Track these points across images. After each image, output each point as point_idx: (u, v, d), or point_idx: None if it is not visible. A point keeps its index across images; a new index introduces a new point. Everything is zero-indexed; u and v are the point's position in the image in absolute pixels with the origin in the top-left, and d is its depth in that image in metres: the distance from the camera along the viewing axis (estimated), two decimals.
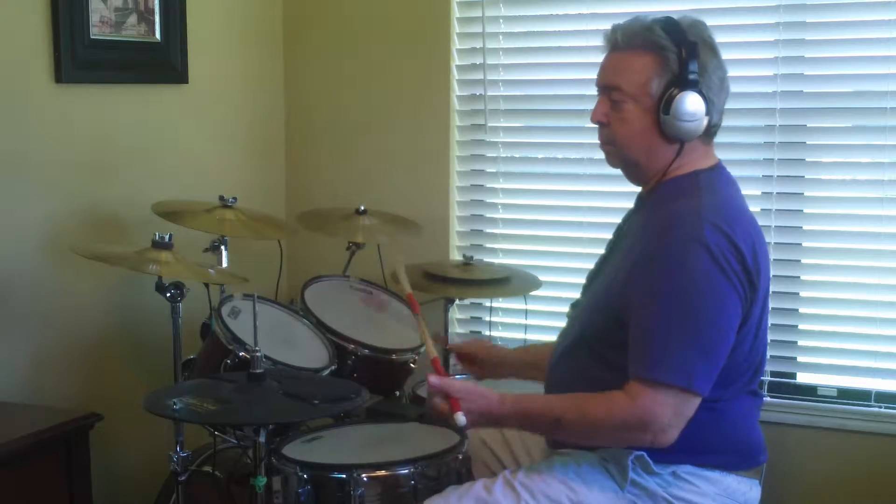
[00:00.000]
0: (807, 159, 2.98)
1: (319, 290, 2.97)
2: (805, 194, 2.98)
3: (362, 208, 3.06)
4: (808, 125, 2.95)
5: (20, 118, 2.71)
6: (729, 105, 2.92)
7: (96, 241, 2.90)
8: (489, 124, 3.32)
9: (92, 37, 2.83)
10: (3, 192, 2.68)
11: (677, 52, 1.97)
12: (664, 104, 1.97)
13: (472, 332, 3.44)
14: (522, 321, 3.20)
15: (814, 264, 2.98)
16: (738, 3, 2.99)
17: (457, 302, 3.20)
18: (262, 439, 2.16)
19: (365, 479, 2.17)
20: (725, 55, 2.93)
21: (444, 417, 2.00)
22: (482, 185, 3.40)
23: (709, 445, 2.00)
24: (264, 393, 2.20)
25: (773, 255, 2.93)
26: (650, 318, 1.92)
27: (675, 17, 2.04)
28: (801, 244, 2.99)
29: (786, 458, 2.86)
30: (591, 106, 2.08)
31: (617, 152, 2.07)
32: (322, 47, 3.50)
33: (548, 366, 2.19)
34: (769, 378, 3.01)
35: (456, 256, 3.35)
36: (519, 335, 3.24)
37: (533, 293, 3.10)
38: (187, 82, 3.15)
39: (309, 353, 2.72)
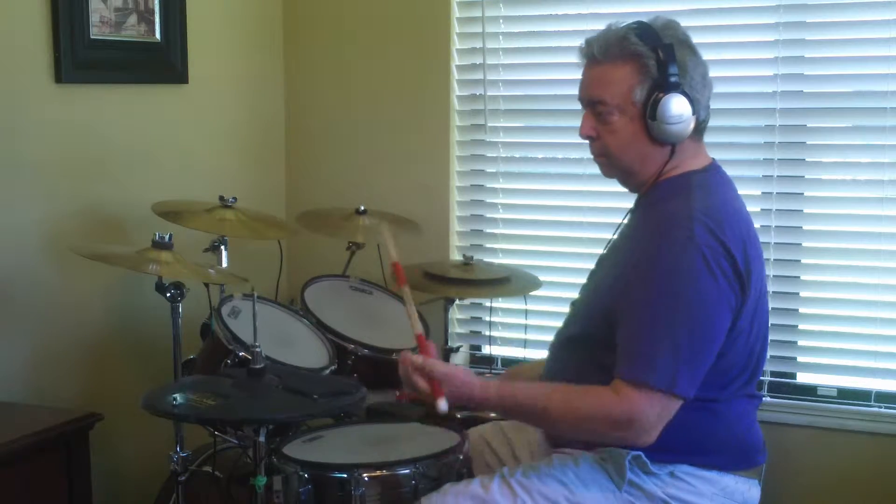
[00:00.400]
0: (807, 159, 2.98)
1: (319, 290, 2.97)
2: (805, 194, 2.98)
3: (362, 208, 3.07)
4: (808, 125, 2.95)
5: (20, 118, 2.71)
6: (729, 105, 2.96)
7: (96, 241, 2.90)
8: (489, 124, 3.32)
9: (92, 37, 2.83)
10: (3, 191, 2.68)
11: (655, 57, 1.98)
12: (650, 110, 1.98)
13: (472, 331, 3.44)
14: (522, 321, 3.20)
15: (814, 264, 2.98)
16: (738, 3, 2.99)
17: (457, 302, 3.20)
18: (262, 439, 2.16)
19: (365, 478, 2.17)
20: (725, 55, 2.97)
21: (423, 399, 1.99)
22: (482, 185, 3.40)
23: (706, 446, 2.01)
24: (264, 388, 2.20)
25: (773, 255, 2.95)
26: (638, 319, 1.93)
27: (647, 19, 2.04)
28: (801, 244, 2.99)
29: (786, 458, 2.86)
30: None
31: (610, 163, 2.08)
32: (322, 47, 3.50)
33: (546, 361, 2.20)
34: (769, 378, 3.01)
35: (456, 256, 3.35)
36: (519, 335, 3.24)
37: (533, 293, 3.10)
38: (187, 82, 3.15)
39: (309, 353, 2.72)
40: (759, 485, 2.09)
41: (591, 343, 2.05)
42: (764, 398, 2.94)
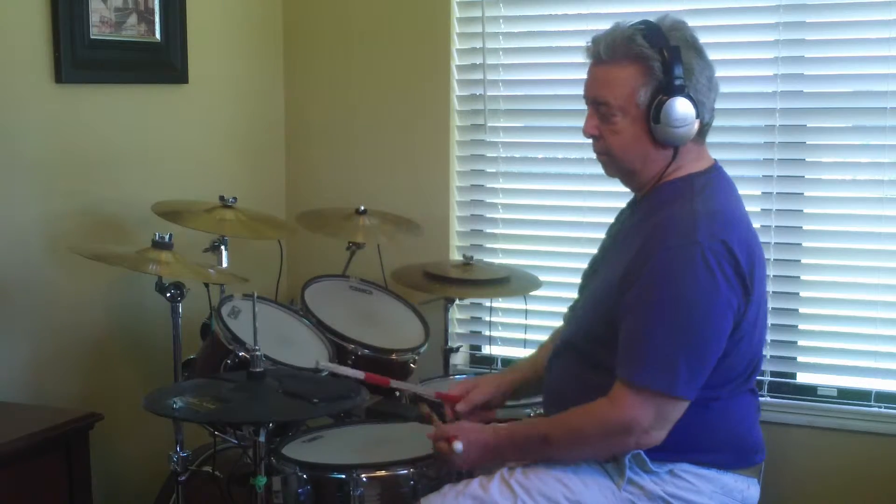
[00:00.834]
0: (807, 159, 2.97)
1: (319, 290, 2.97)
2: (805, 194, 2.98)
3: (362, 208, 3.06)
4: (808, 125, 2.95)
5: (20, 118, 2.71)
6: (729, 105, 2.96)
7: (96, 241, 2.90)
8: (489, 124, 3.32)
9: (92, 37, 2.83)
10: (3, 191, 2.68)
11: (661, 59, 1.96)
12: (654, 112, 1.97)
13: (472, 331, 3.44)
14: (522, 321, 3.20)
15: (814, 264, 2.98)
16: (738, 3, 2.98)
17: (457, 302, 3.20)
18: (261, 439, 2.16)
19: (365, 479, 2.17)
20: (725, 55, 2.97)
21: (446, 456, 2.09)
22: (482, 185, 3.39)
23: (705, 444, 2.01)
24: (264, 392, 2.20)
25: (773, 255, 2.94)
26: (639, 321, 1.93)
27: (655, 18, 2.03)
28: (801, 244, 2.99)
29: (786, 458, 2.86)
30: None
31: (613, 162, 2.08)
32: (322, 48, 3.50)
33: (545, 368, 2.20)
34: (769, 378, 3.01)
35: (456, 256, 3.35)
36: (519, 335, 3.24)
37: (533, 293, 3.10)
38: (187, 82, 3.15)
39: (309, 353, 2.72)
40: (758, 483, 2.09)
41: (591, 343, 2.05)
42: (764, 398, 2.95)
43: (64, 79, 2.77)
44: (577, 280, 2.28)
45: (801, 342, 3.01)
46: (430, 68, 3.35)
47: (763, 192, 2.99)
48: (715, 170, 2.08)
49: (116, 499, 2.98)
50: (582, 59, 2.08)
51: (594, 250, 2.27)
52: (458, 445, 2.05)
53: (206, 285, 2.85)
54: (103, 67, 2.89)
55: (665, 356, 1.89)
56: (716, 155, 2.14)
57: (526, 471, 2.04)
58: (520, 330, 3.23)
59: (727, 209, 2.00)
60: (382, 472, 2.21)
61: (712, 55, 3.02)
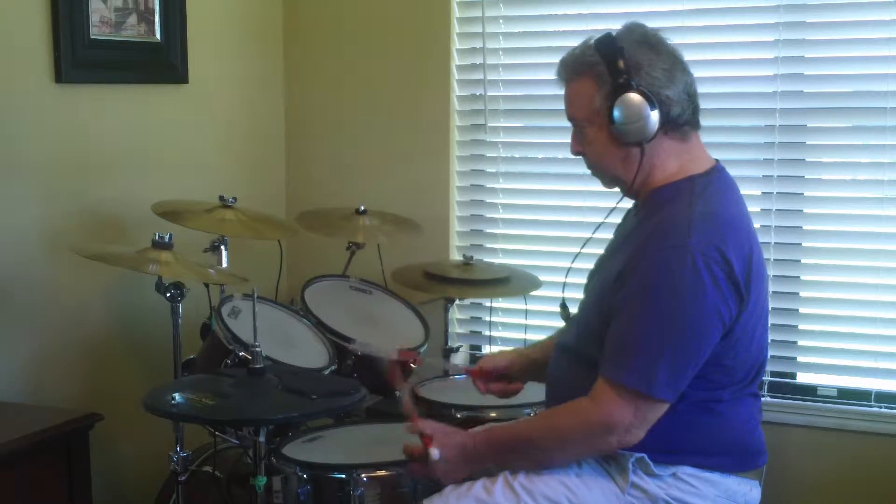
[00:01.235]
0: (807, 159, 2.98)
1: (319, 290, 2.97)
2: (805, 194, 2.98)
3: (362, 208, 3.06)
4: (808, 125, 2.95)
5: (20, 118, 2.71)
6: (729, 105, 2.96)
7: (96, 241, 2.90)
8: (489, 124, 3.32)
9: (92, 37, 2.83)
10: (3, 191, 2.68)
11: (606, 63, 1.99)
12: (609, 116, 1.99)
13: (472, 331, 3.45)
14: (522, 321, 3.20)
15: (814, 264, 2.98)
16: (738, 3, 2.98)
17: (457, 302, 3.20)
18: (262, 439, 2.16)
19: (365, 479, 2.18)
20: (725, 55, 2.97)
21: (418, 457, 2.05)
22: (482, 185, 3.40)
23: (708, 447, 2.00)
24: (264, 388, 2.20)
25: (773, 255, 2.95)
26: (624, 321, 1.93)
27: (613, 29, 2.05)
28: (801, 244, 2.99)
29: (786, 458, 2.87)
30: None
31: (599, 174, 2.13)
32: (322, 47, 3.50)
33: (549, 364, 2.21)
34: (769, 378, 3.01)
35: (456, 256, 3.35)
36: (519, 335, 3.24)
37: (533, 293, 3.10)
38: (187, 82, 3.15)
39: (309, 353, 2.72)
40: (759, 486, 2.09)
41: (590, 344, 2.04)
42: (764, 398, 2.95)
43: (64, 79, 2.77)
44: (578, 280, 2.28)
45: (801, 342, 3.01)
46: (430, 68, 3.35)
47: (763, 192, 2.99)
48: (717, 171, 2.08)
49: (116, 499, 2.98)
50: None
51: (594, 250, 2.26)
52: (434, 452, 2.00)
53: (206, 285, 2.85)
54: (103, 67, 2.89)
55: (646, 357, 1.89)
56: (716, 155, 2.14)
57: (529, 473, 2.03)
58: (520, 330, 3.23)
59: (726, 212, 2.00)
60: (382, 472, 2.21)
61: (712, 55, 3.04)
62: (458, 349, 3.21)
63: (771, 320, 2.91)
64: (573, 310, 2.24)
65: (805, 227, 2.98)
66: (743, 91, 2.98)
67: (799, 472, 2.92)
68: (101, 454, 2.73)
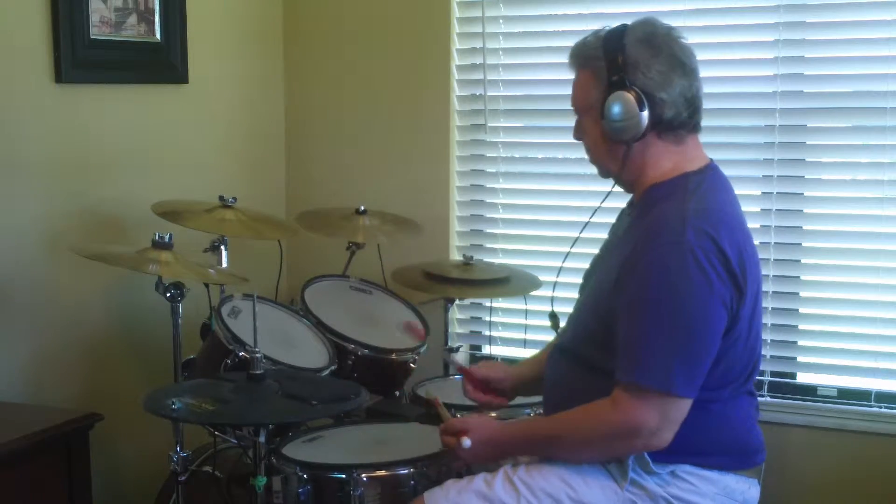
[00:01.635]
0: (807, 159, 2.98)
1: (319, 290, 2.97)
2: (805, 194, 2.98)
3: (362, 208, 3.06)
4: (808, 125, 2.95)
5: (20, 118, 2.71)
6: (729, 105, 2.96)
7: (96, 241, 2.90)
8: (489, 124, 3.32)
9: (92, 37, 2.83)
10: (3, 191, 2.68)
11: (606, 59, 2.00)
12: (601, 111, 2.01)
13: (472, 331, 3.44)
14: (522, 321, 3.20)
15: (814, 264, 2.98)
16: (738, 3, 2.98)
17: (457, 302, 3.20)
18: (262, 439, 2.16)
19: (365, 479, 2.18)
20: (725, 55, 2.97)
21: (452, 450, 2.11)
22: (482, 185, 3.40)
23: (707, 446, 2.01)
24: (263, 393, 2.20)
25: (773, 255, 2.95)
26: (633, 323, 1.93)
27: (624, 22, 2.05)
28: (801, 244, 2.99)
29: (786, 458, 2.87)
30: None
31: (594, 165, 2.15)
32: (322, 47, 3.50)
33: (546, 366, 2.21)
34: (769, 378, 3.01)
35: (456, 256, 3.35)
36: (519, 335, 3.24)
37: (533, 293, 3.10)
38: (187, 82, 3.15)
39: (309, 353, 2.72)
40: (758, 484, 2.09)
41: (588, 345, 2.05)
42: (764, 398, 2.95)
43: (64, 79, 2.77)
44: (578, 280, 2.28)
45: (801, 342, 3.01)
46: (430, 68, 3.35)
47: (763, 192, 2.99)
48: (710, 169, 2.08)
49: (116, 499, 2.98)
50: None
51: (594, 250, 2.27)
52: (466, 441, 2.06)
53: (206, 285, 2.85)
54: (103, 67, 2.89)
55: (661, 356, 1.89)
56: (716, 155, 2.13)
57: (529, 468, 2.04)
58: (520, 330, 3.23)
59: (718, 207, 2.00)
60: (382, 472, 2.21)
61: (712, 55, 3.04)
62: (458, 349, 3.21)
63: (771, 320, 2.92)
64: (563, 322, 2.25)
65: (805, 227, 2.98)
66: (743, 91, 2.98)
67: (799, 471, 2.92)
68: (101, 454, 2.73)
